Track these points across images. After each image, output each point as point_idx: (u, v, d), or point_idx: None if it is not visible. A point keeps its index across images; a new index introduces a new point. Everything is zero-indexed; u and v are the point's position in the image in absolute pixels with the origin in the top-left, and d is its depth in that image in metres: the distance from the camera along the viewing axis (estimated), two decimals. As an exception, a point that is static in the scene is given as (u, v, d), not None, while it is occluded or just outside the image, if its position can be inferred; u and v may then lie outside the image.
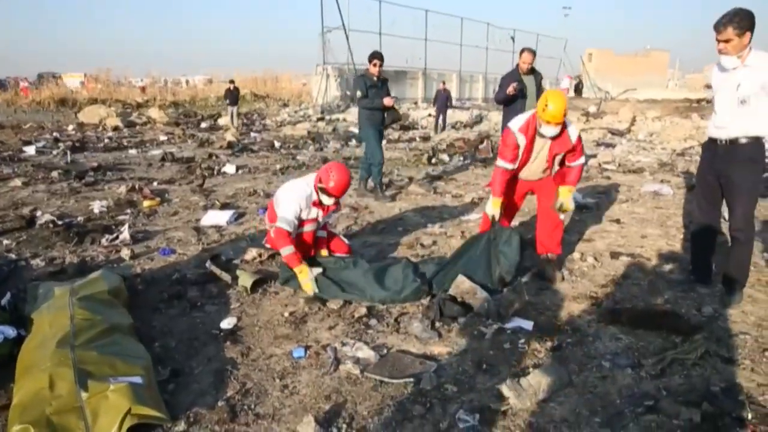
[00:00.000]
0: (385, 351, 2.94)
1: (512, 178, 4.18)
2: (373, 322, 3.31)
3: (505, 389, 2.48)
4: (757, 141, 3.30)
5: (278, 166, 9.65)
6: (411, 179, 8.30)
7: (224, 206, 6.45)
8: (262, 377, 2.71)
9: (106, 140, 14.33)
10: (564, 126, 3.80)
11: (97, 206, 6.28)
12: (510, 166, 4.02)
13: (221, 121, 20.30)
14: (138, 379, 2.35)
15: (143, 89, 30.49)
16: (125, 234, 4.98)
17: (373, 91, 6.63)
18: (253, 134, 16.28)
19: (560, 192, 4.05)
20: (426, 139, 14.82)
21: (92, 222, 5.65)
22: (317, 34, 25.37)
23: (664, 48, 56.19)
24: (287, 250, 3.72)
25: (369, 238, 5.15)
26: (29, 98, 24.53)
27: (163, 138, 14.96)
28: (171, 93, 30.18)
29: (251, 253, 4.48)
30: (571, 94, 28.52)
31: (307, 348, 2.97)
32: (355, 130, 16.54)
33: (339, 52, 25.79)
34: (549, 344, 3.00)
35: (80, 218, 5.77)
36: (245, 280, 3.83)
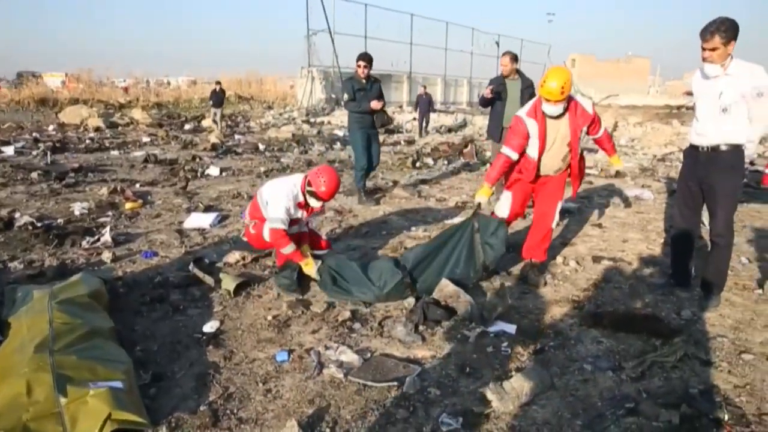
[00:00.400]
0: (368, 355, 2.94)
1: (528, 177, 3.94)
2: (356, 325, 3.31)
3: (488, 392, 2.50)
4: (737, 148, 3.37)
5: (262, 169, 9.60)
6: (395, 182, 8.32)
7: (207, 209, 6.40)
8: (244, 381, 2.69)
9: (88, 141, 14.14)
10: (569, 101, 3.67)
11: (77, 208, 6.19)
12: (513, 155, 3.83)
13: (205, 123, 20.15)
14: (118, 384, 2.32)
15: (126, 90, 30.13)
16: (107, 236, 4.92)
17: (361, 93, 6.47)
18: (237, 136, 16.18)
19: (612, 161, 4.36)
20: (410, 142, 14.85)
21: (73, 224, 5.57)
22: (302, 36, 25.39)
23: (645, 55, 57.01)
24: (289, 249, 3.81)
25: (353, 242, 5.15)
26: (8, 98, 24.06)
27: (146, 139, 14.81)
28: (154, 94, 29.85)
29: (234, 255, 4.45)
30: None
31: (290, 352, 2.96)
32: (340, 133, 16.55)
33: (324, 54, 25.84)
34: (532, 348, 3.03)
35: (60, 220, 5.68)
36: (228, 283, 3.80)
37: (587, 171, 9.40)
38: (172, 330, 3.24)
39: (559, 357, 2.94)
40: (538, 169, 3.89)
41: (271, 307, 3.61)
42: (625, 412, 2.41)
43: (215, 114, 18.60)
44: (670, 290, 3.84)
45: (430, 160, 10.91)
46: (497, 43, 36.32)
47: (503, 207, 4.07)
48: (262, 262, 4.46)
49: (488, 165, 7.74)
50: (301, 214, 4.04)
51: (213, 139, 14.05)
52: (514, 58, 6.18)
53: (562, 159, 3.86)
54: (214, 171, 9.15)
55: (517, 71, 6.23)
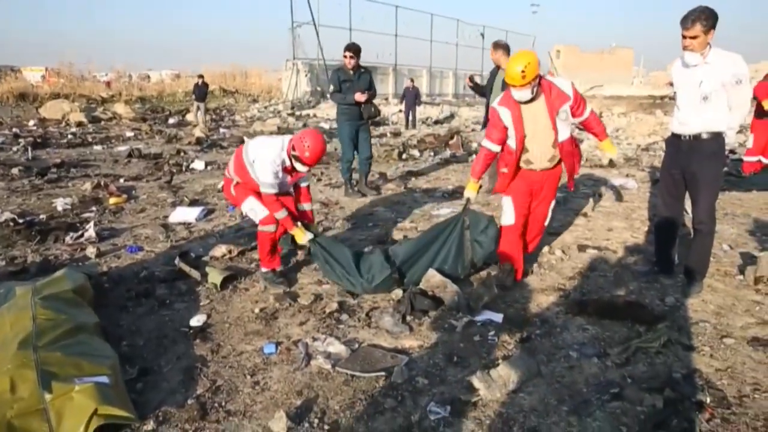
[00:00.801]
0: (356, 345, 2.95)
1: (520, 173, 3.80)
2: (344, 317, 3.32)
3: (476, 381, 2.52)
4: (718, 136, 3.41)
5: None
6: (382, 175, 8.31)
7: (193, 203, 6.36)
8: (232, 374, 2.69)
9: (70, 136, 13.94)
10: (542, 84, 3.50)
11: (60, 204, 6.11)
12: (494, 147, 3.74)
13: (189, 117, 19.95)
14: (104, 379, 2.31)
15: (109, 84, 29.68)
16: (90, 232, 4.87)
17: (347, 85, 6.36)
18: (222, 130, 16.07)
19: (603, 147, 4.05)
20: (396, 134, 14.84)
21: (56, 220, 5.50)
22: (287, 28, 25.23)
23: (629, 46, 57.32)
24: (281, 214, 3.74)
25: (340, 234, 5.14)
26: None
27: (129, 134, 14.66)
28: (137, 88, 29.43)
29: (221, 249, 4.43)
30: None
31: (278, 344, 2.96)
32: (326, 126, 16.48)
33: (309, 47, 25.69)
34: (518, 336, 3.06)
35: (43, 216, 5.61)
36: (215, 276, 3.78)
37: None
38: (159, 324, 3.22)
39: (545, 345, 2.96)
40: (531, 161, 3.72)
41: (258, 299, 3.60)
42: (610, 397, 2.45)
43: (198, 108, 18.38)
44: (654, 277, 3.89)
45: (416, 152, 10.91)
46: (482, 35, 36.36)
47: (507, 215, 3.85)
48: (249, 256, 4.44)
49: (474, 156, 7.74)
50: (287, 178, 3.91)
51: (198, 132, 13.93)
52: (505, 49, 6.10)
53: (552, 145, 3.66)
54: (199, 165, 9.08)
55: None
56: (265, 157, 3.71)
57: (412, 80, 18.76)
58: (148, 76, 35.11)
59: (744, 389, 2.51)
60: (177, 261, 4.08)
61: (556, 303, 3.53)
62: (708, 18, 3.16)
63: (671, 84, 3.67)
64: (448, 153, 10.86)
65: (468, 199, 3.92)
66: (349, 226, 5.43)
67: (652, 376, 2.63)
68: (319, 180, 7.95)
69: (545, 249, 4.60)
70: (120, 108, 21.89)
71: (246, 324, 3.24)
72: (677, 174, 3.61)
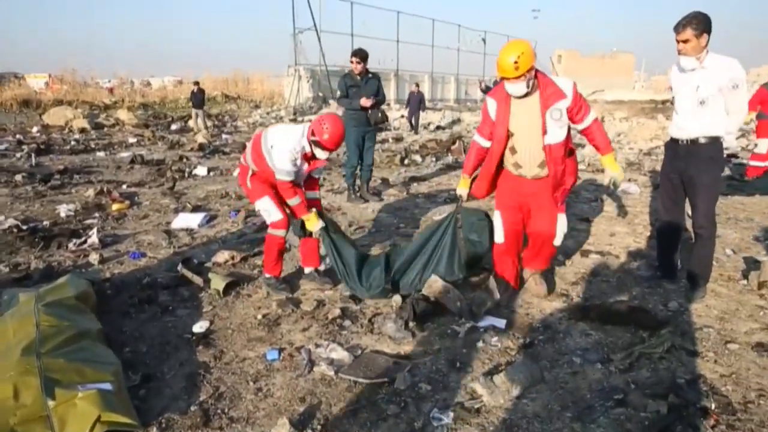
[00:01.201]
0: (359, 352, 2.95)
1: (509, 183, 3.56)
2: (347, 323, 3.31)
3: (479, 387, 2.52)
4: (716, 141, 3.42)
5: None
6: (384, 180, 8.31)
7: (195, 209, 6.37)
8: (235, 380, 2.68)
9: (73, 142, 13.97)
10: (533, 78, 3.20)
11: (63, 210, 6.12)
12: (483, 142, 3.53)
13: (191, 123, 19.99)
14: (107, 386, 2.31)
15: (111, 90, 29.80)
16: (93, 238, 4.88)
17: (354, 90, 6.37)
18: (224, 136, 16.10)
19: (604, 163, 3.49)
20: (399, 140, 14.86)
21: (59, 226, 5.51)
22: (289, 34, 25.31)
23: (630, 50, 57.45)
24: (295, 201, 3.71)
25: (343, 240, 5.14)
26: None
27: (132, 140, 14.68)
28: (140, 94, 29.55)
29: (223, 255, 4.43)
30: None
31: (280, 350, 2.96)
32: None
33: (311, 53, 25.79)
34: (521, 341, 3.05)
35: (46, 222, 5.62)
36: (217, 282, 3.79)
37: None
38: (161, 331, 3.22)
39: (548, 350, 2.96)
40: (519, 165, 3.42)
41: (261, 306, 3.60)
42: (614, 403, 2.44)
43: (197, 115, 18.37)
44: (656, 282, 3.88)
45: (418, 158, 10.92)
46: (483, 40, 36.50)
47: (497, 232, 3.65)
48: (252, 262, 4.44)
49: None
50: (305, 166, 3.83)
51: (200, 139, 13.97)
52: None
53: (540, 150, 3.32)
54: (201, 171, 9.10)
55: None
56: (284, 143, 3.64)
57: (417, 85, 18.79)
58: (149, 83, 35.26)
59: (749, 395, 2.50)
60: (180, 267, 4.09)
61: (559, 308, 3.52)
62: (699, 22, 3.18)
63: (671, 88, 3.69)
64: (450, 158, 10.87)
65: (460, 197, 3.82)
66: (352, 231, 5.44)
67: (655, 382, 2.61)
68: (321, 185, 7.95)
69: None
70: (123, 114, 21.97)
71: (249, 330, 3.24)
72: (676, 178, 3.62)
